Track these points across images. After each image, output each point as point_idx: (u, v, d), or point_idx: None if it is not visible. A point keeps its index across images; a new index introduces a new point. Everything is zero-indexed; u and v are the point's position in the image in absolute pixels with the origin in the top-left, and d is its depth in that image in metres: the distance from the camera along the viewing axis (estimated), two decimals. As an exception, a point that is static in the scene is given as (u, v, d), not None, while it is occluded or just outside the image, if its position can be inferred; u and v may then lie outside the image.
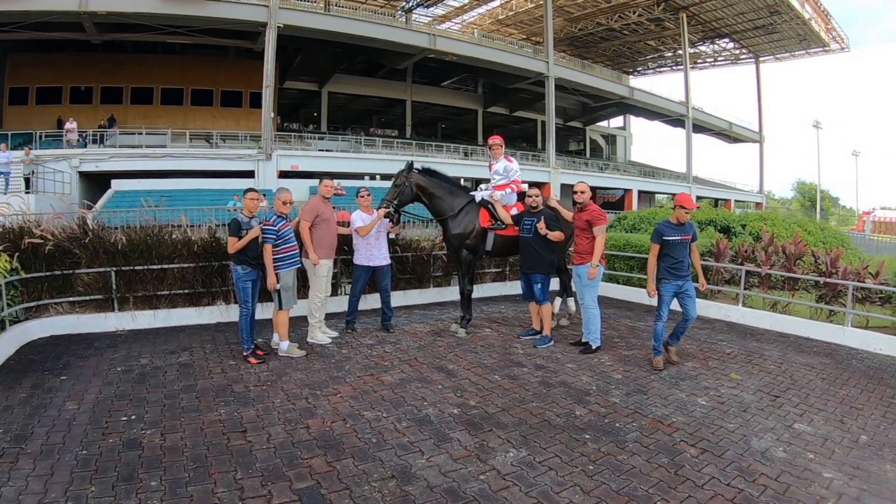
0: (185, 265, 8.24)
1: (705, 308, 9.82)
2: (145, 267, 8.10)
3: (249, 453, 4.20)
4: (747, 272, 9.58)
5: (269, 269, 6.50)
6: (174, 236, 8.53)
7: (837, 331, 8.25)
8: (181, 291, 8.37)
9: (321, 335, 7.57)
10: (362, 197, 7.98)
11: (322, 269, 7.44)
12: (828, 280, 8.72)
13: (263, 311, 7.95)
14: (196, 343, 7.29)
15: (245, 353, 6.59)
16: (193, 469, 3.94)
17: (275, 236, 6.50)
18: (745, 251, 10.32)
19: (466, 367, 6.46)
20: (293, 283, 6.82)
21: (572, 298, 8.95)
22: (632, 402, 5.47)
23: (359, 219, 7.89)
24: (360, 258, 7.91)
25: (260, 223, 6.58)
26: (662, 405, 5.40)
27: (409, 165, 8.00)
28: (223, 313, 8.57)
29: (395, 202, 7.81)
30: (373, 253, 7.94)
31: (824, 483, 3.98)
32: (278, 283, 6.59)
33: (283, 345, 6.82)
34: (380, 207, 7.82)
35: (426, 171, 8.19)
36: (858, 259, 11.15)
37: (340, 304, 9.10)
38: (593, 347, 7.24)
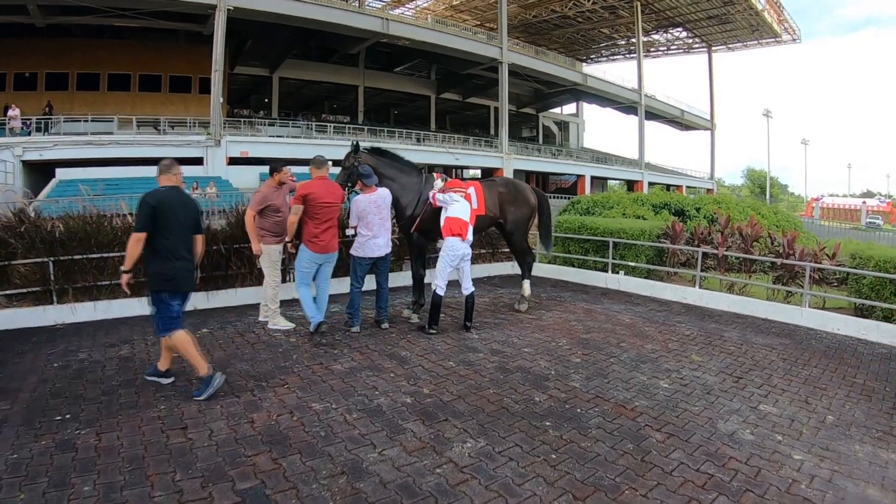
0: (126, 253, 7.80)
1: (661, 290, 9.80)
2: (84, 256, 7.64)
3: (190, 451, 3.89)
4: (703, 254, 9.52)
5: None
6: (115, 223, 8.06)
7: (795, 311, 8.24)
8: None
9: (284, 321, 7.29)
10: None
11: (274, 255, 7.17)
12: (785, 261, 8.73)
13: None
14: (138, 335, 6.86)
15: None
16: (129, 471, 3.62)
17: None
18: (702, 233, 10.33)
19: (419, 353, 6.20)
20: None
21: (528, 281, 8.70)
22: (592, 386, 5.29)
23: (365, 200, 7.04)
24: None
25: None
26: (624, 389, 5.24)
27: (356, 146, 7.50)
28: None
29: (348, 186, 7.35)
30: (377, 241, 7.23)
31: (795, 465, 3.87)
32: None
33: None
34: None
35: (375, 151, 7.76)
36: (815, 241, 11.26)
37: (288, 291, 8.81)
38: (313, 328, 6.42)
